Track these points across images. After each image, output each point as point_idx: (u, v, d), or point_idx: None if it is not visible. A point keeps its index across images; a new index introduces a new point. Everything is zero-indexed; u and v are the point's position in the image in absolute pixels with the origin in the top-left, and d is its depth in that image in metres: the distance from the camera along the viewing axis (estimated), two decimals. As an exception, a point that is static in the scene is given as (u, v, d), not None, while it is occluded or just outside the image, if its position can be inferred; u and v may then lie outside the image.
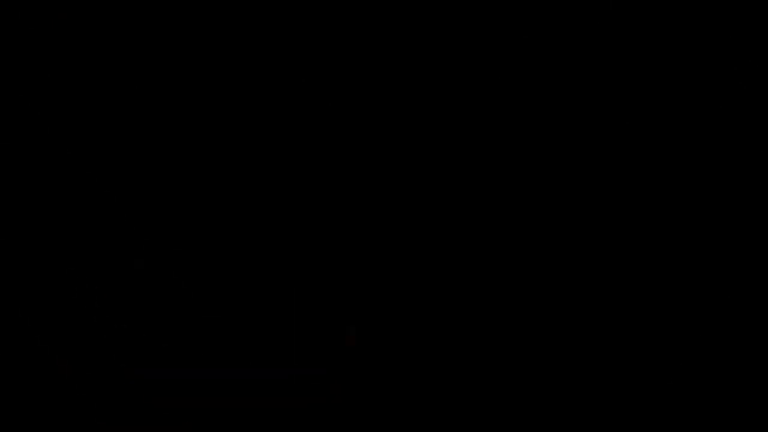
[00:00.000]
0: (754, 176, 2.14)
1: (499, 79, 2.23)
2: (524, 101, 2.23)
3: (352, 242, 2.25)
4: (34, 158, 2.26)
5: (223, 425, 2.17)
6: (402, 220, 2.25)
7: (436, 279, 2.21)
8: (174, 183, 2.28)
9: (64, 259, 2.25)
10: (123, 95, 2.27)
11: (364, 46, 2.22)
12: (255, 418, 2.18)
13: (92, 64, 2.23)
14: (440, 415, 2.15)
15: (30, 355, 2.21)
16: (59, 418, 2.18)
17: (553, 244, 2.17)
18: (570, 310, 2.13)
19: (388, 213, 2.25)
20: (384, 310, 2.20)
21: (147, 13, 2.20)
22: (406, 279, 2.22)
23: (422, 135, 2.25)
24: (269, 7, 2.25)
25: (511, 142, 2.22)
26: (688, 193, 2.15)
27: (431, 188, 2.25)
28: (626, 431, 2.08)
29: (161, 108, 2.28)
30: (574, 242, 2.16)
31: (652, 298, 2.13)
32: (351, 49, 2.22)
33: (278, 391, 2.19)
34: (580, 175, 2.18)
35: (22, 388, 2.19)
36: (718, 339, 2.08)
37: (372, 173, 2.27)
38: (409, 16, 2.24)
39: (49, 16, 2.08)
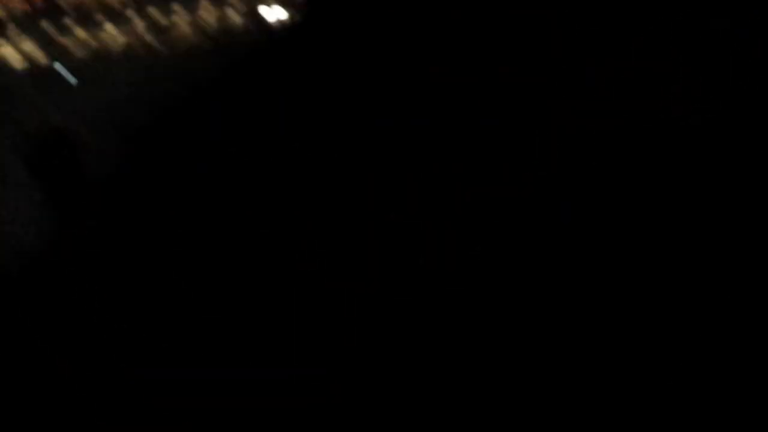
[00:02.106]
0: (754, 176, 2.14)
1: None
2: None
3: (352, 241, 2.25)
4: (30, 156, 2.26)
5: (223, 425, 2.17)
6: (400, 218, 2.25)
7: (434, 278, 2.21)
8: (173, 182, 2.28)
9: (63, 258, 2.25)
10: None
11: None
12: (255, 418, 2.17)
13: None
14: (441, 415, 2.15)
15: (30, 355, 2.21)
16: (59, 418, 2.18)
17: (552, 244, 2.17)
18: (570, 309, 2.13)
19: (386, 213, 2.25)
20: (384, 309, 2.20)
21: None
22: (406, 278, 2.22)
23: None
24: None
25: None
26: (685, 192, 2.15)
27: (431, 187, 2.25)
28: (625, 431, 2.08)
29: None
30: (572, 241, 2.17)
31: (649, 296, 2.13)
32: None
33: (278, 391, 2.19)
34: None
35: (22, 388, 2.19)
36: (718, 339, 2.08)
37: (372, 171, 2.27)
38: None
39: None
